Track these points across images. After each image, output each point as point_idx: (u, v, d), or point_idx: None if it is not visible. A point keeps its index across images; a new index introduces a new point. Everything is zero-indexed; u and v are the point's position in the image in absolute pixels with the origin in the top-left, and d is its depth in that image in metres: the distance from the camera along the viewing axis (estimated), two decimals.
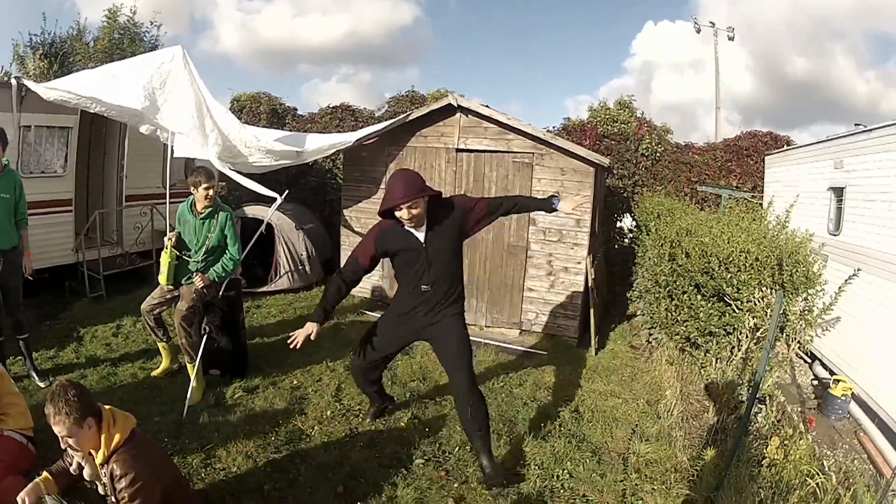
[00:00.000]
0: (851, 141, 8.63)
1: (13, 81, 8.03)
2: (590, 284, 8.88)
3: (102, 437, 3.37)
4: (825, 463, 5.13)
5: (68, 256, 9.35)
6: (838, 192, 8.80)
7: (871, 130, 8.09)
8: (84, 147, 9.81)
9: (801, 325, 6.46)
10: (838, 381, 7.55)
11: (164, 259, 6.41)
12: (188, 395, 6.12)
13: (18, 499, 3.42)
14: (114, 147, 10.28)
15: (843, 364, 7.98)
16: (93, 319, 8.49)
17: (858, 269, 7.28)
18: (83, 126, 9.39)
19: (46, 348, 7.33)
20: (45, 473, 3.65)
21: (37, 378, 6.44)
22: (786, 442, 5.36)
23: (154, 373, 6.94)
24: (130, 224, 10.32)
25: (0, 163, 6.04)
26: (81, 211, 9.76)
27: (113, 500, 3.45)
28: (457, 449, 5.69)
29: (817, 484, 4.71)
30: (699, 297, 6.81)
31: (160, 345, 6.93)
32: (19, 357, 6.67)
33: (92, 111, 7.61)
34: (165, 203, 7.56)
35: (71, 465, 3.65)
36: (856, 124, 9.37)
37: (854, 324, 7.68)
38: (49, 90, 7.50)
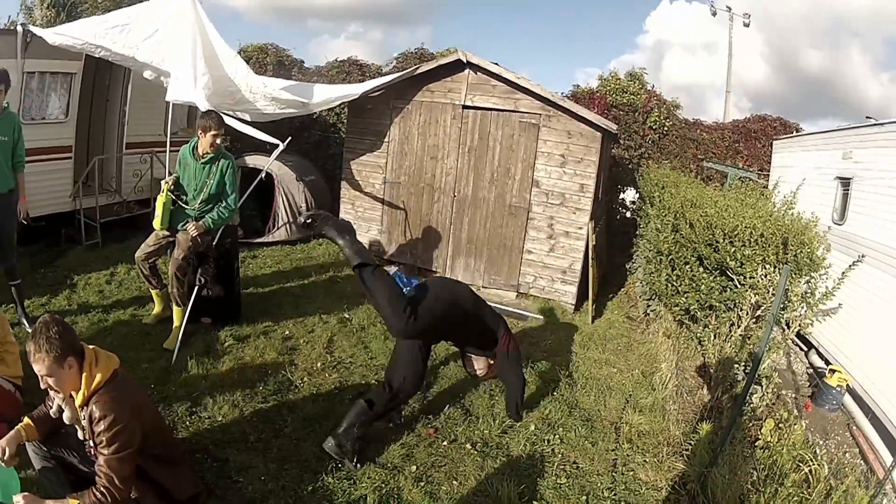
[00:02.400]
0: (862, 133, 8.49)
1: (18, 28, 7.93)
2: (590, 251, 8.80)
3: (83, 376, 3.24)
4: (818, 451, 5.06)
5: (66, 204, 9.22)
6: (845, 182, 8.67)
7: (882, 125, 7.97)
8: (87, 93, 9.67)
9: (802, 308, 6.36)
10: (833, 370, 7.43)
11: (160, 202, 6.31)
12: (175, 345, 6.07)
13: None
14: (117, 93, 10.15)
15: (840, 355, 7.86)
16: (87, 267, 8.37)
17: (863, 256, 7.16)
18: (87, 72, 9.23)
19: (39, 295, 7.23)
20: (25, 419, 3.54)
21: (27, 325, 6.33)
22: (780, 425, 5.27)
23: (145, 319, 6.88)
24: (130, 171, 10.23)
25: (0, 105, 5.90)
26: (81, 158, 9.62)
27: (91, 443, 3.35)
28: (447, 407, 5.64)
29: (810, 471, 4.63)
30: (701, 269, 6.72)
31: (153, 292, 6.86)
32: (11, 304, 6.57)
33: (97, 56, 7.62)
34: (166, 151, 7.48)
35: (52, 408, 3.54)
36: (867, 117, 9.25)
37: (853, 315, 7.56)
38: (55, 35, 7.48)
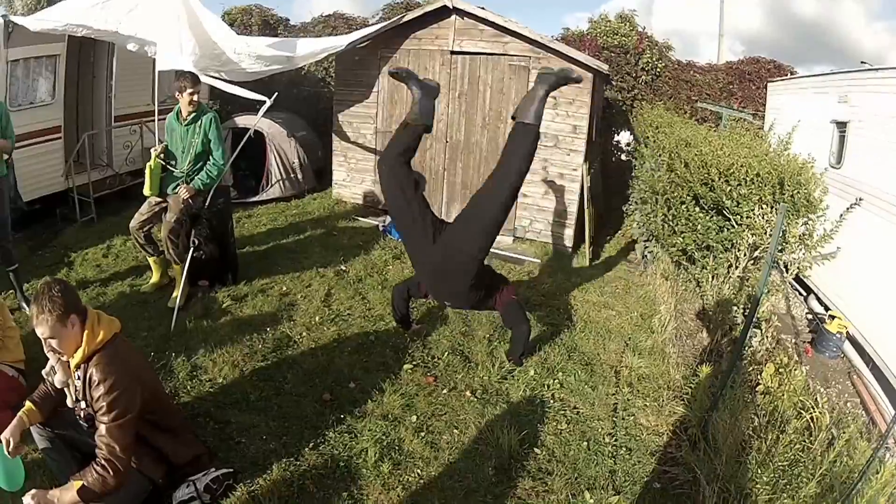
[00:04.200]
0: (859, 78, 8.35)
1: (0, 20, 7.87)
2: (585, 192, 8.77)
3: (85, 334, 3.22)
4: (819, 399, 5.04)
5: (59, 184, 9.20)
6: (841, 125, 8.56)
7: (877, 70, 7.86)
8: (72, 72, 9.61)
9: (800, 250, 6.33)
10: (833, 316, 7.38)
11: (149, 168, 6.34)
12: (177, 302, 6.12)
13: (2, 438, 3.27)
14: (102, 68, 10.10)
15: (839, 300, 7.79)
16: (83, 243, 8.35)
17: (860, 199, 7.10)
18: (71, 51, 9.19)
19: (37, 277, 7.12)
20: (27, 404, 3.50)
21: (27, 309, 6.24)
22: (781, 370, 5.25)
23: (143, 288, 6.90)
24: (120, 144, 10.20)
25: None
26: (71, 136, 9.57)
27: (83, 405, 3.34)
28: (446, 354, 5.68)
29: (811, 418, 4.61)
30: (697, 208, 6.69)
31: (150, 260, 6.88)
32: (10, 290, 6.53)
33: (79, 35, 7.65)
34: (154, 120, 7.47)
35: (45, 370, 3.55)
36: (862, 62, 9.16)
37: (852, 261, 7.45)
38: (37, 22, 7.53)
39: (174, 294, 6.46)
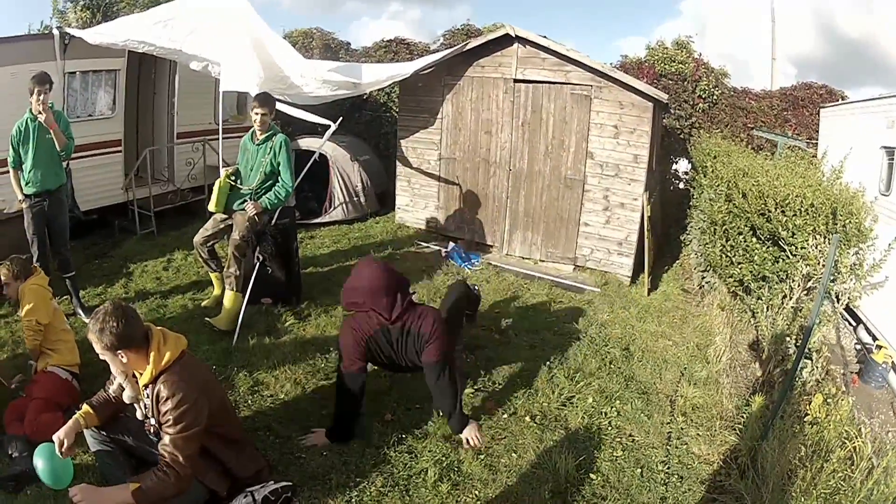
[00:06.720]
0: None
1: (55, 31, 8.09)
2: (646, 222, 8.72)
3: (152, 355, 3.30)
4: (862, 429, 5.03)
5: (118, 196, 9.43)
6: (890, 151, 8.45)
7: None
8: (133, 87, 9.84)
9: (851, 280, 6.30)
10: (880, 346, 7.30)
11: (217, 185, 6.48)
12: (235, 327, 6.22)
13: (55, 437, 3.34)
14: (164, 85, 10.33)
15: (888, 330, 7.73)
16: (143, 255, 8.53)
17: None
18: (131, 66, 9.40)
19: (94, 285, 7.38)
20: (85, 407, 3.59)
21: (83, 315, 6.48)
22: (828, 401, 5.25)
23: (205, 303, 7.03)
24: (182, 160, 10.36)
25: (45, 105, 5.91)
26: (132, 150, 9.82)
27: (153, 421, 3.42)
28: (506, 380, 5.73)
29: (854, 448, 4.60)
30: (754, 239, 6.68)
31: (212, 275, 7.02)
32: (66, 296, 6.69)
33: (140, 51, 7.82)
34: (218, 138, 7.60)
35: (112, 385, 3.64)
36: None
37: None
38: (96, 35, 7.72)
39: (224, 317, 6.44)
